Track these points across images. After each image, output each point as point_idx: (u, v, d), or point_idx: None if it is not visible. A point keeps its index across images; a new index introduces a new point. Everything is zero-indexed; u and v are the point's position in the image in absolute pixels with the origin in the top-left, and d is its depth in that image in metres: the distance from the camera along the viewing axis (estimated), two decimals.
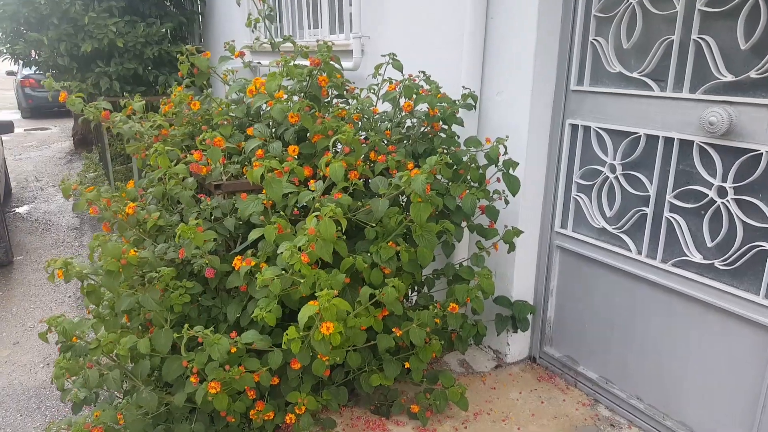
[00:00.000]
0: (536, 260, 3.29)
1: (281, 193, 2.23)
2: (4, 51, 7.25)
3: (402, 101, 2.83)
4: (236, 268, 2.42)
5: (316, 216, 2.01)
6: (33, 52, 7.23)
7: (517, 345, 3.41)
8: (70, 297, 5.08)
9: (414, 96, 2.75)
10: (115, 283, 2.25)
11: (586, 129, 2.95)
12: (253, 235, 2.30)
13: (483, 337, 3.09)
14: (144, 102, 3.21)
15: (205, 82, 3.00)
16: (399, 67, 3.16)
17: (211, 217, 2.61)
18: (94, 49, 6.64)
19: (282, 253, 2.07)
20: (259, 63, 3.11)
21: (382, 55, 3.27)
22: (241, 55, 3.19)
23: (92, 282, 2.52)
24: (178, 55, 3.00)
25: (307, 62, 2.84)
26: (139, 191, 2.92)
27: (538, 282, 3.32)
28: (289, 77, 2.52)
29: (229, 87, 2.89)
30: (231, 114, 2.91)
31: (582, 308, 3.12)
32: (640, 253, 2.77)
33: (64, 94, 2.68)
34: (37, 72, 8.01)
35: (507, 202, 2.92)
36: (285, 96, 2.53)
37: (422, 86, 2.94)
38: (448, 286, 3.06)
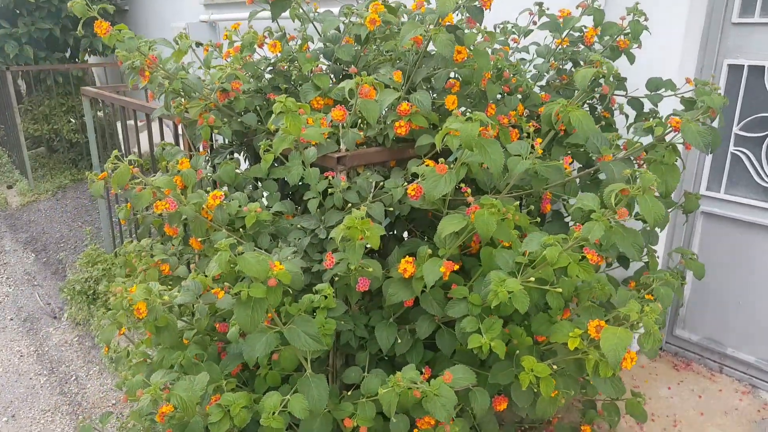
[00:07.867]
0: (669, 229, 2.78)
1: (502, 161, 1.50)
2: None
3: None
4: (405, 275, 1.67)
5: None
6: None
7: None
8: (12, 320, 3.88)
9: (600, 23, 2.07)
10: (259, 318, 1.43)
11: (755, 70, 2.43)
12: (449, 227, 1.56)
13: None
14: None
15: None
16: None
17: (343, 205, 1.81)
18: None
19: (544, 252, 1.36)
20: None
21: None
22: None
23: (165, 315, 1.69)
24: None
25: None
26: (198, 173, 2.05)
27: (671, 255, 2.80)
28: None
29: (324, 23, 2.05)
30: (323, 61, 2.10)
31: (733, 283, 2.65)
32: None
33: None
34: None
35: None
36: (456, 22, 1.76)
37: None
38: None
